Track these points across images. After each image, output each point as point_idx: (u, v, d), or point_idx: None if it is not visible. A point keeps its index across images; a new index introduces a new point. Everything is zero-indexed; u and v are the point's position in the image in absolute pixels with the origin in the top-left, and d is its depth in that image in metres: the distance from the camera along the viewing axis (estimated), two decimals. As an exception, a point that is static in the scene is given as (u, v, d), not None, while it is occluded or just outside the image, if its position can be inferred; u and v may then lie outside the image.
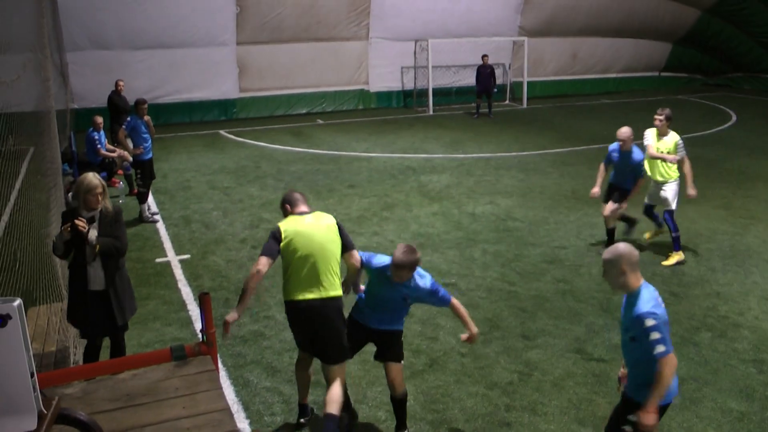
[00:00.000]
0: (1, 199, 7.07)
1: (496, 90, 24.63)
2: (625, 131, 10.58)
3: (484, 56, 24.19)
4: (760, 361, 7.46)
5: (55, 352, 6.62)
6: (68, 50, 21.52)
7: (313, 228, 5.98)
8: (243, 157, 18.03)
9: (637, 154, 10.50)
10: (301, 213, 6.12)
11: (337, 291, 5.91)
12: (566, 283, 9.62)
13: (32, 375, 3.34)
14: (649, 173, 10.54)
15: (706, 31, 30.94)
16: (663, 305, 4.81)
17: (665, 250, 10.66)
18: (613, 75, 31.48)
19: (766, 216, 12.53)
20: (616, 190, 10.77)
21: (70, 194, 12.10)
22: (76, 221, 6.03)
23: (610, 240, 10.83)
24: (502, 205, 13.34)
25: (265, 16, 23.86)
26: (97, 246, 6.14)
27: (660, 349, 4.57)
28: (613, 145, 10.79)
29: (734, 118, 23.72)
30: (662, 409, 4.78)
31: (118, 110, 16.80)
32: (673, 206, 10.45)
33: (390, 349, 6.14)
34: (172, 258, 10.74)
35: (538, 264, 10.37)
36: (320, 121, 23.94)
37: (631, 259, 4.75)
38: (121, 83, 17.28)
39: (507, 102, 28.17)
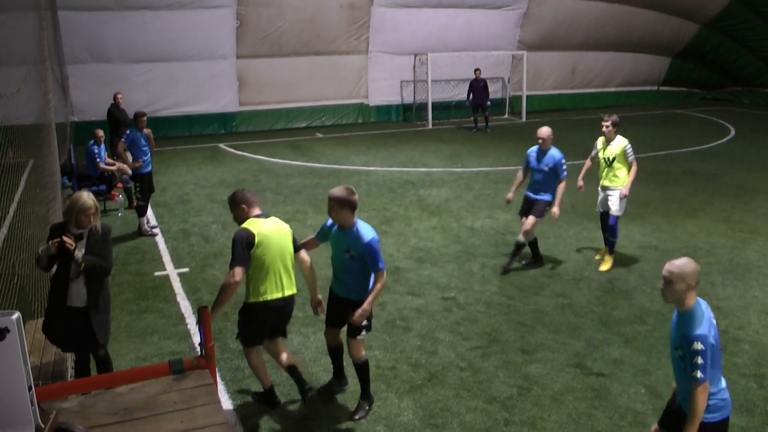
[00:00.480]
0: (1, 212, 7.07)
1: (489, 104, 24.61)
2: (546, 130, 10.55)
3: (476, 70, 24.17)
4: (761, 375, 7.44)
5: (52, 365, 6.59)
6: (68, 63, 21.59)
7: (277, 232, 6.43)
8: (242, 170, 18.05)
9: (556, 152, 10.52)
10: (258, 216, 6.41)
11: (295, 288, 6.62)
12: (565, 297, 9.60)
13: (30, 389, 3.32)
14: (600, 180, 10.79)
15: (704, 45, 31.06)
16: (716, 325, 4.78)
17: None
18: (612, 89, 31.57)
19: (765, 230, 12.53)
20: (534, 204, 10.58)
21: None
22: (64, 238, 5.96)
23: (534, 252, 10.93)
24: (501, 219, 13.34)
25: (265, 30, 23.97)
26: (83, 264, 6.07)
27: (698, 374, 4.54)
28: (532, 148, 10.76)
29: (733, 132, 23.76)
30: (721, 425, 4.79)
31: (117, 123, 16.82)
32: (619, 212, 10.66)
33: (351, 325, 6.59)
34: (171, 271, 10.73)
35: (537, 278, 10.35)
36: (319, 135, 23.97)
37: (697, 277, 4.74)
38: (119, 96, 17.30)
39: (506, 116, 28.23)
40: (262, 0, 23.43)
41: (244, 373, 7.54)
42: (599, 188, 10.86)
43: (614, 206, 10.60)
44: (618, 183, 10.55)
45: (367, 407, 6.74)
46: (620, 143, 10.56)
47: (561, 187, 10.47)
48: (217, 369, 6.17)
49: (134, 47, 22.35)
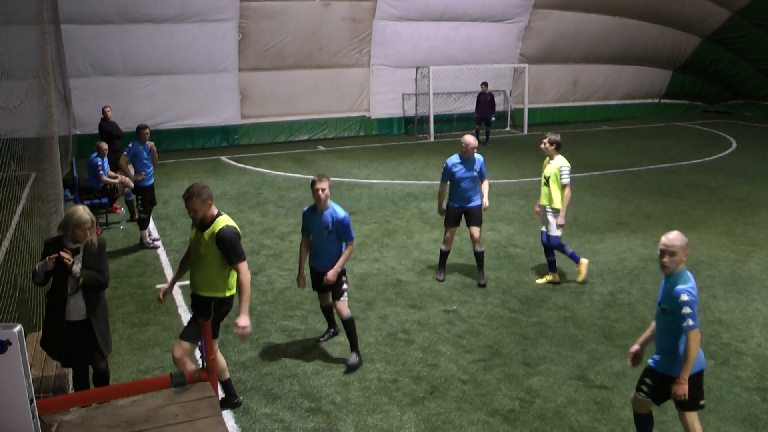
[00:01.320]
0: (2, 225, 7.08)
1: (494, 119, 24.63)
2: (472, 138, 10.46)
3: (483, 84, 24.23)
4: (764, 389, 7.42)
5: (54, 378, 6.58)
6: (71, 76, 21.66)
7: None
8: (244, 183, 18.07)
9: (478, 157, 10.49)
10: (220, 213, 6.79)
11: None
12: (567, 310, 9.59)
13: (31, 401, 3.32)
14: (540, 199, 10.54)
15: (706, 58, 31.11)
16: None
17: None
18: (614, 102, 31.59)
19: (767, 243, 12.51)
20: (471, 212, 10.55)
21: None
22: (62, 253, 5.98)
23: (442, 264, 10.99)
24: (503, 232, 13.34)
25: (267, 44, 24.04)
26: (81, 279, 6.09)
27: (690, 322, 5.33)
28: (453, 158, 10.57)
29: (735, 145, 23.78)
30: (698, 378, 5.57)
31: (108, 137, 16.76)
32: (557, 233, 10.37)
33: (334, 290, 7.99)
34: (166, 285, 10.69)
35: (539, 291, 10.34)
36: (321, 148, 24.01)
37: (688, 249, 5.56)
38: (108, 110, 17.29)
39: (508, 129, 28.26)
40: (264, 13, 23.52)
41: (245, 385, 7.52)
42: (536, 205, 10.71)
43: (552, 228, 10.37)
44: (553, 204, 10.31)
45: (356, 358, 7.98)
46: (557, 164, 10.34)
47: (487, 185, 10.66)
48: (218, 381, 6.15)
49: (137, 60, 22.43)
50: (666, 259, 5.48)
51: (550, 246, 10.44)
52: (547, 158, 10.51)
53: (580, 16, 27.74)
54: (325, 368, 7.93)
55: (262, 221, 14.23)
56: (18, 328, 3.22)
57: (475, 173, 10.43)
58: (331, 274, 7.82)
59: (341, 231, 7.86)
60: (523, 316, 9.42)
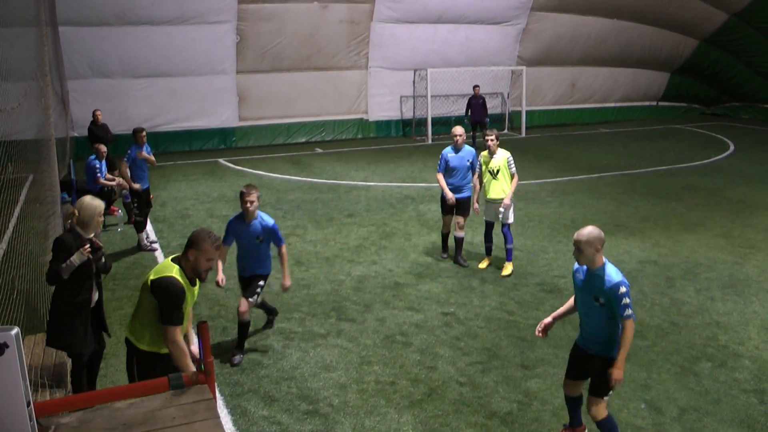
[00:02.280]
0: (0, 228, 7.07)
1: (488, 120, 24.57)
2: (459, 128, 11.33)
3: (475, 87, 24.13)
4: (761, 391, 7.42)
5: (51, 380, 6.57)
6: (69, 78, 21.65)
7: None
8: (242, 185, 17.99)
9: (470, 148, 11.41)
10: None
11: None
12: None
13: (28, 404, 3.32)
14: (485, 192, 11.20)
15: (703, 60, 31.17)
16: None
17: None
18: (612, 104, 31.64)
19: (765, 245, 12.52)
20: (462, 203, 11.45)
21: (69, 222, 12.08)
22: (94, 240, 6.35)
23: (445, 244, 12.07)
24: (500, 235, 13.32)
25: (265, 46, 24.05)
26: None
27: (628, 312, 5.69)
28: (447, 149, 11.43)
29: (732, 147, 23.81)
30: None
31: (97, 140, 16.67)
32: (511, 220, 11.27)
33: (247, 289, 8.37)
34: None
35: (537, 293, 10.34)
36: (319, 150, 24.01)
37: (603, 239, 5.86)
38: (98, 113, 17.30)
39: (505, 131, 28.28)
40: (262, 15, 23.52)
41: (243, 387, 7.52)
42: (485, 201, 11.31)
43: (510, 216, 11.22)
44: (505, 194, 11.05)
45: (239, 355, 8.22)
46: (503, 155, 11.08)
47: (515, 182, 11.30)
48: (216, 384, 6.15)
49: (135, 62, 22.43)
50: (576, 254, 5.89)
51: (507, 235, 11.24)
52: (485, 154, 11.15)
53: (578, 19, 27.78)
54: (323, 371, 7.93)
55: (259, 223, 14.20)
56: (15, 330, 3.22)
57: (467, 163, 11.27)
58: (288, 283, 8.54)
59: (272, 238, 8.32)
60: (521, 318, 9.42)
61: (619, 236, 13.14)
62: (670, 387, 7.50)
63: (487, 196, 11.17)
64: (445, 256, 11.97)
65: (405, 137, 27.10)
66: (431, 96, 25.72)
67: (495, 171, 11.01)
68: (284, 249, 8.42)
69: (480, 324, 9.22)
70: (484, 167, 11.14)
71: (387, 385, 7.56)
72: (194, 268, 5.50)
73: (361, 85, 26.39)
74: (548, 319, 6.47)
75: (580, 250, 5.82)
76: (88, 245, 6.16)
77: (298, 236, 13.27)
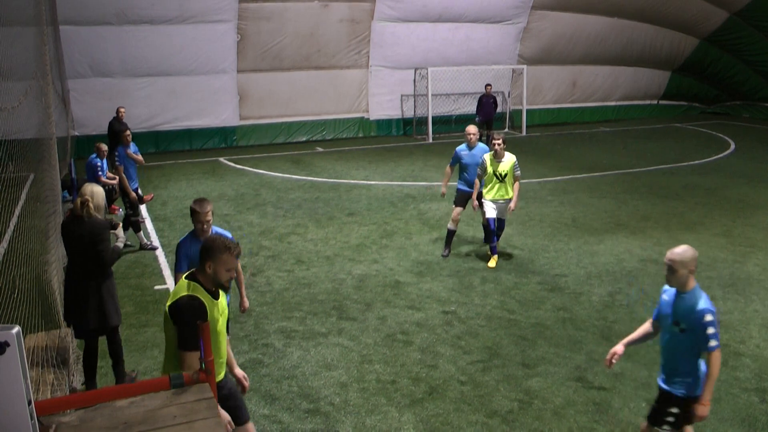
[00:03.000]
0: (0, 226, 7.07)
1: (495, 120, 24.49)
2: (472, 127, 12.00)
3: (487, 86, 24.13)
4: (762, 389, 7.42)
5: (52, 379, 6.57)
6: (69, 77, 21.64)
7: None
8: (243, 184, 18.06)
9: (483, 146, 11.91)
10: None
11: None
12: (566, 311, 9.59)
13: (29, 403, 3.31)
14: (488, 193, 11.42)
15: (704, 59, 31.15)
16: None
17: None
18: (612, 103, 31.61)
19: (766, 244, 12.52)
20: (467, 196, 11.89)
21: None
22: (117, 224, 7.20)
23: (449, 242, 12.22)
24: (504, 234, 13.32)
25: (266, 45, 24.04)
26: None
27: (714, 343, 5.23)
28: (461, 146, 11.95)
29: (733, 146, 23.80)
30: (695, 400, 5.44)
31: (118, 137, 16.81)
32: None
33: None
34: (171, 285, 10.71)
35: (538, 292, 10.34)
36: (320, 149, 24.00)
37: (696, 262, 5.36)
38: (122, 110, 17.37)
39: (506, 130, 28.24)
40: (262, 14, 23.51)
41: (244, 387, 7.51)
42: (488, 201, 11.43)
43: (507, 214, 11.74)
44: (510, 195, 11.42)
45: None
46: (510, 159, 11.30)
47: (517, 187, 11.62)
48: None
49: (135, 61, 22.41)
50: (668, 275, 5.38)
51: (501, 231, 11.83)
52: (491, 157, 11.29)
53: (579, 17, 27.76)
54: (324, 369, 7.93)
55: (260, 222, 14.22)
56: (16, 329, 3.22)
57: (480, 161, 11.52)
58: (247, 305, 7.44)
59: None
60: (522, 317, 9.42)
61: (620, 235, 13.13)
62: (671, 386, 7.49)
63: (490, 197, 11.40)
64: (446, 254, 12.03)
65: (406, 136, 27.09)
66: (432, 95, 25.71)
67: (502, 175, 11.24)
68: (239, 266, 6.67)
69: (481, 323, 9.22)
70: (489, 170, 11.26)
71: (388, 384, 7.56)
72: (215, 280, 5.03)
73: (361, 84, 26.38)
74: (619, 348, 5.84)
75: (673, 270, 5.30)
76: (119, 227, 6.80)
77: (299, 235, 13.26)
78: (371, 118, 26.93)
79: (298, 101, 25.50)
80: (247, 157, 22.30)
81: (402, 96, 27.02)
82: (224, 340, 5.27)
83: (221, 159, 21.97)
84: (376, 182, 18.20)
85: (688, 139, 25.69)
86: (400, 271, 11.25)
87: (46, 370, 6.75)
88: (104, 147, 14.21)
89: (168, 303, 5.11)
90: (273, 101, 25.12)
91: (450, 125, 27.39)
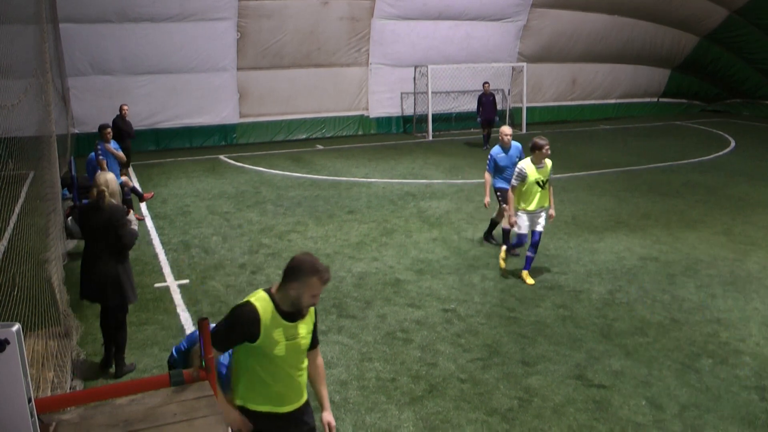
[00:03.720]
0: (1, 224, 7.07)
1: (497, 119, 24.47)
2: (507, 128, 12.04)
3: (485, 84, 23.99)
4: (762, 387, 7.42)
5: (52, 377, 6.58)
6: (69, 75, 21.65)
7: None
8: (243, 182, 18.06)
9: (516, 144, 12.01)
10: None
11: None
12: (566, 309, 9.59)
13: (29, 400, 3.31)
14: (528, 204, 10.47)
15: (704, 57, 31.15)
16: None
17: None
18: (612, 101, 31.62)
19: (766, 242, 12.51)
20: (499, 192, 11.95)
21: (69, 218, 12.11)
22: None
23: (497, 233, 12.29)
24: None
25: (266, 42, 24.06)
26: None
27: None
28: (496, 149, 11.97)
29: (733, 144, 23.79)
30: None
31: (121, 134, 16.88)
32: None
33: None
34: (171, 283, 10.71)
35: (538, 290, 10.34)
36: (320, 147, 24.01)
37: None
38: (125, 108, 17.40)
39: (506, 128, 28.21)
40: (262, 12, 23.52)
41: (244, 385, 7.51)
42: (524, 213, 10.53)
43: (543, 224, 10.70)
44: (548, 202, 10.73)
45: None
46: (549, 164, 10.60)
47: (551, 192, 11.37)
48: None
49: (135, 59, 22.43)
50: None
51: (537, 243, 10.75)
52: (530, 164, 10.40)
53: (579, 15, 27.77)
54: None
55: (260, 220, 14.22)
56: (16, 327, 3.22)
57: (516, 160, 11.50)
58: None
59: None
60: (522, 315, 9.42)
61: (620, 233, 13.13)
62: (670, 384, 7.49)
63: (529, 208, 10.46)
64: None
65: (406, 134, 27.10)
66: (432, 93, 25.71)
67: (543, 182, 10.40)
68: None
69: (481, 320, 9.22)
70: (531, 179, 10.31)
71: (387, 382, 7.56)
72: (295, 303, 4.46)
73: (361, 82, 26.38)
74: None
75: None
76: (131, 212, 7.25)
77: (299, 233, 13.26)
78: (371, 116, 26.95)
79: (298, 99, 25.52)
80: (247, 154, 22.31)
81: (402, 94, 27.04)
82: (288, 368, 4.63)
83: (221, 157, 21.98)
84: (376, 180, 18.20)
85: (688, 137, 25.69)
86: (400, 269, 11.24)
87: (46, 368, 6.76)
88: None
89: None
90: (273, 99, 25.14)
91: (450, 123, 27.41)
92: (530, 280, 10.59)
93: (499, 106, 26.65)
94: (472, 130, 26.28)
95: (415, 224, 13.88)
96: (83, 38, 21.48)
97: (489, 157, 11.99)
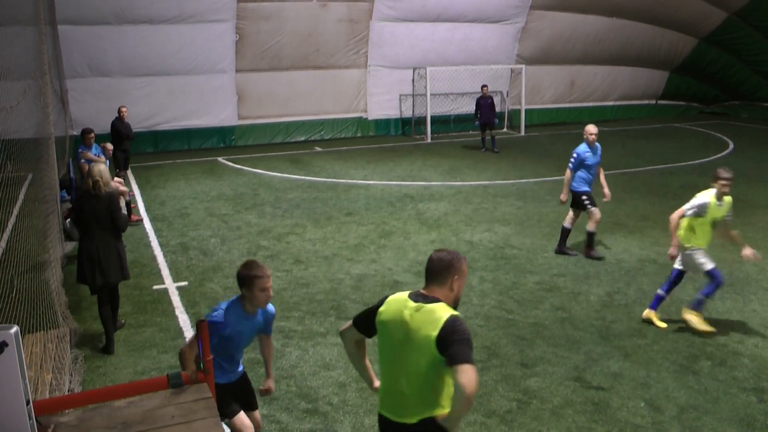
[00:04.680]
0: (0, 226, 7.08)
1: (497, 121, 24.43)
2: (592, 127, 12.25)
3: (483, 86, 23.93)
4: (761, 389, 7.42)
5: (50, 379, 6.57)
6: (68, 77, 21.65)
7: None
8: (241, 184, 18.06)
9: (598, 144, 12.23)
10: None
11: None
12: (564, 311, 9.59)
13: (28, 403, 3.31)
14: (699, 240, 8.95)
15: (702, 59, 31.17)
16: None
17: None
18: (611, 103, 31.63)
19: (764, 243, 12.52)
20: (585, 196, 11.97)
21: (68, 221, 12.11)
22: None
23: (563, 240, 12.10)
24: (500, 233, 13.34)
25: (264, 44, 24.06)
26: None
27: None
28: (581, 147, 12.05)
29: (731, 146, 23.81)
30: None
31: (120, 136, 16.90)
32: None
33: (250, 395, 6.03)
34: (170, 285, 10.71)
35: (536, 292, 10.34)
36: (318, 149, 24.01)
37: None
38: (124, 109, 17.39)
39: (505, 130, 28.26)
40: (261, 14, 23.52)
41: (242, 387, 7.51)
42: (699, 251, 8.97)
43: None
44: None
45: None
46: (729, 201, 9.01)
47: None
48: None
49: (134, 61, 22.42)
50: None
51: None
52: (714, 199, 8.85)
53: (577, 17, 27.79)
54: (322, 369, 7.93)
55: (258, 222, 14.22)
56: (15, 329, 3.22)
57: (599, 159, 12.02)
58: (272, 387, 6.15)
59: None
60: (520, 317, 9.42)
61: (619, 235, 13.15)
62: (669, 385, 7.50)
63: (696, 245, 8.95)
64: (574, 252, 12.00)
65: (404, 136, 27.10)
66: (430, 95, 25.71)
67: (717, 221, 8.95)
68: (271, 340, 6.37)
69: (479, 322, 9.22)
70: (707, 217, 8.82)
71: (386, 384, 7.55)
72: (456, 298, 4.40)
73: (360, 84, 26.39)
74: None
75: None
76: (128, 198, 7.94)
77: (297, 234, 13.26)
78: (370, 118, 26.95)
79: (297, 101, 25.52)
80: (245, 156, 22.31)
81: (400, 96, 27.04)
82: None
83: (220, 159, 21.98)
84: (375, 182, 18.20)
85: (686, 138, 25.71)
86: (398, 271, 11.24)
87: (45, 370, 6.75)
88: (110, 146, 14.30)
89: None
90: (271, 101, 25.14)
91: (449, 125, 27.42)
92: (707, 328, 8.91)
93: (497, 108, 26.68)
94: (470, 132, 26.26)
95: (414, 226, 13.88)
96: (81, 40, 21.48)
97: (574, 154, 12.02)
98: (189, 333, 8.89)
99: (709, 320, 9.19)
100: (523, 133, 27.13)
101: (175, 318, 9.41)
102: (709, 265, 8.85)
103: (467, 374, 3.96)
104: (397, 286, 10.51)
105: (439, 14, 26.01)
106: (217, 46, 23.41)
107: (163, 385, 4.63)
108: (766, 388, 7.48)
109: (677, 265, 9.12)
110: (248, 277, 5.61)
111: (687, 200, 9.07)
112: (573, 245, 12.32)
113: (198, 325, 4.76)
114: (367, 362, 4.84)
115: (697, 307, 8.91)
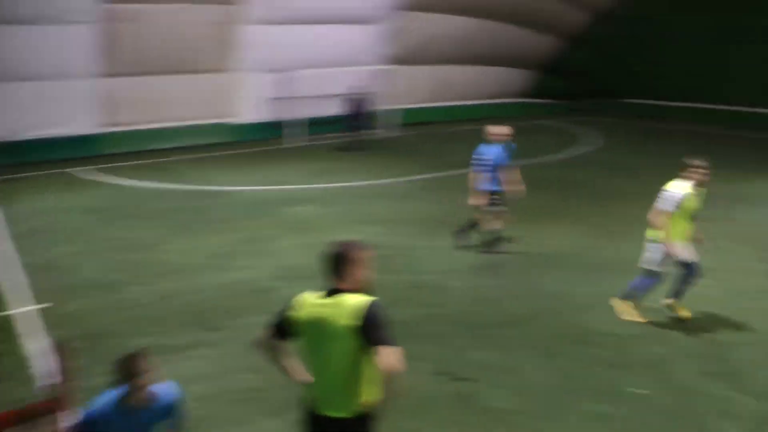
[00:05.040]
0: None
1: (370, 122, 24.61)
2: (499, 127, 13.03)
3: (354, 87, 24.14)
4: (625, 364, 7.94)
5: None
6: None
7: None
8: (104, 195, 17.36)
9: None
10: None
11: None
12: (434, 307, 9.74)
13: None
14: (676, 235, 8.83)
15: (569, 58, 32.32)
16: None
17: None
18: (482, 101, 32.33)
19: (621, 230, 13.12)
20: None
21: None
22: None
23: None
24: (370, 233, 13.35)
25: (130, 48, 23.22)
26: None
27: None
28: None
29: (598, 141, 24.84)
30: None
31: None
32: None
33: None
34: (26, 308, 10.08)
35: (406, 290, 10.43)
36: (187, 156, 23.37)
37: None
38: None
39: (376, 130, 28.43)
40: (126, 16, 22.63)
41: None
42: (679, 244, 8.88)
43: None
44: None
45: None
46: (705, 190, 9.03)
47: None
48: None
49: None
50: None
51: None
52: (690, 188, 8.81)
53: (446, 18, 28.32)
54: (187, 383, 7.74)
55: (123, 236, 13.59)
56: None
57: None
58: None
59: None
60: (389, 315, 9.45)
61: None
62: (535, 370, 7.76)
63: (682, 239, 8.87)
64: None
65: (274, 140, 26.80)
66: (300, 97, 25.60)
67: (696, 212, 8.92)
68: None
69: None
70: (688, 203, 8.74)
71: (256, 392, 7.45)
72: (365, 285, 4.68)
73: (230, 88, 25.97)
74: None
75: None
76: None
77: (165, 246, 12.86)
78: (239, 123, 26.52)
79: (165, 107, 24.75)
80: (111, 165, 21.36)
81: (270, 99, 26.73)
82: None
83: (82, 169, 20.97)
84: (245, 188, 17.95)
85: (554, 135, 26.67)
86: (267, 278, 11.10)
87: None
88: None
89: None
90: (138, 107, 24.24)
91: (320, 127, 27.30)
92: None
93: (370, 109, 26.85)
94: (344, 133, 26.31)
95: (283, 231, 13.74)
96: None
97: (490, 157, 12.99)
98: (46, 359, 8.47)
99: (571, 305, 9.57)
100: (393, 133, 27.38)
101: (32, 343, 8.84)
102: (654, 265, 8.94)
103: (391, 355, 4.35)
104: (267, 293, 10.36)
105: (309, 17, 25.88)
106: (78, 50, 22.29)
107: (12, 420, 4.39)
108: (626, 362, 7.98)
109: (682, 260, 8.93)
110: (127, 374, 4.53)
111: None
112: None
113: (56, 347, 4.52)
114: (291, 359, 4.95)
115: (630, 296, 9.21)
